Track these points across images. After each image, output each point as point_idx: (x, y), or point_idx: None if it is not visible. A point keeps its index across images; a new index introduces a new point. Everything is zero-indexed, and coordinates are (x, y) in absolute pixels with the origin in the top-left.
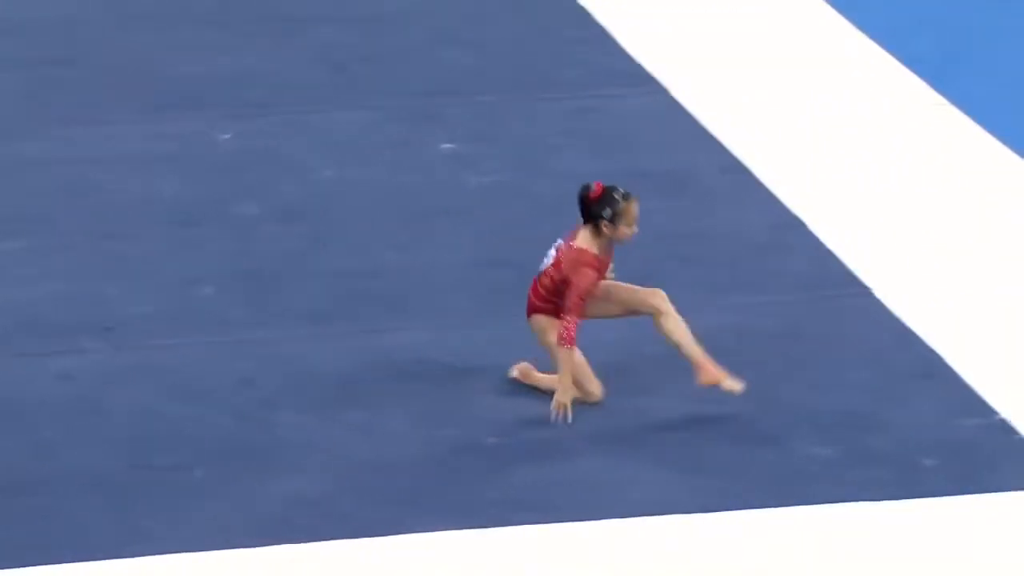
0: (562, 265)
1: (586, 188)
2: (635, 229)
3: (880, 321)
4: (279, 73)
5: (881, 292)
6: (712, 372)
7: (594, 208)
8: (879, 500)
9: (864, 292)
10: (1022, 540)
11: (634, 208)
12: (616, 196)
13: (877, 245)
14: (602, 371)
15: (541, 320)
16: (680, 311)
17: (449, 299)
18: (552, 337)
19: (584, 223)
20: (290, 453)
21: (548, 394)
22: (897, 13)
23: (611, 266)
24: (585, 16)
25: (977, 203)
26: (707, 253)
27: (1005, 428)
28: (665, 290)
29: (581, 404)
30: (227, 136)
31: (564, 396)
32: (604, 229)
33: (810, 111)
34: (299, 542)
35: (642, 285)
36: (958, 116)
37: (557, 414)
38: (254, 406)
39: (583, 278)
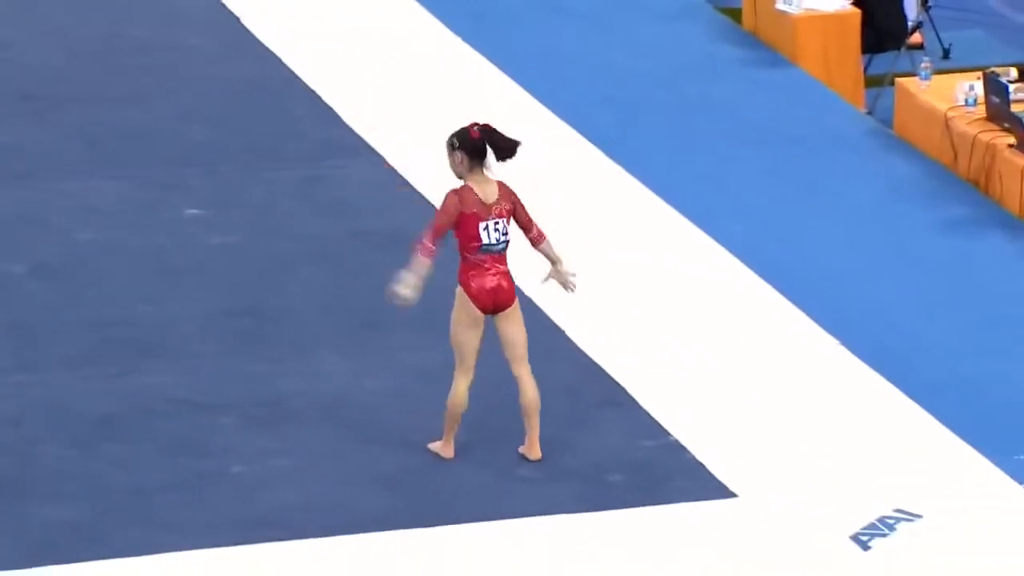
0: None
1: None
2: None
3: (571, 357)
4: (38, 147)
5: (572, 332)
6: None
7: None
8: (575, 513)
9: (560, 333)
10: (693, 544)
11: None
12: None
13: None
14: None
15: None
16: (398, 351)
17: (195, 345)
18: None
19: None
20: (52, 483)
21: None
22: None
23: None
24: (312, 94)
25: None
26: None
27: (677, 448)
28: (383, 333)
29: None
30: None
31: (400, 287)
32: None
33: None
34: (61, 563)
35: (360, 330)
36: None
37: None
38: (19, 442)
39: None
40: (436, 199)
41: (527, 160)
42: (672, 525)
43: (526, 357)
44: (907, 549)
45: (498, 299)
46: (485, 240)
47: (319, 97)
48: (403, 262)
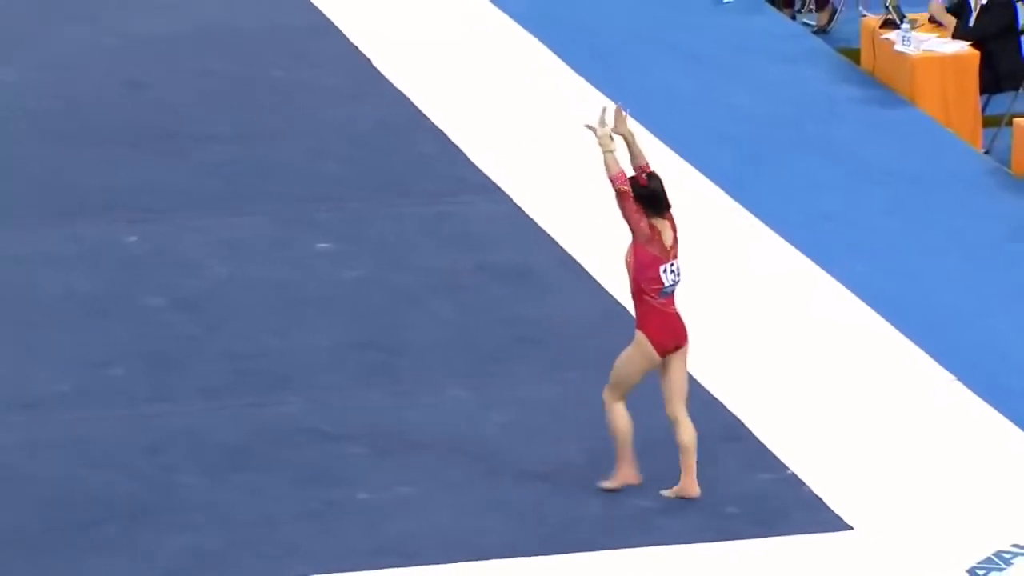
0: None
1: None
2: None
3: (692, 391)
4: (176, 184)
5: (693, 367)
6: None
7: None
8: (692, 543)
9: None
10: (807, 572)
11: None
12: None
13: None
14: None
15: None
16: (522, 384)
17: (324, 376)
18: None
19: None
20: (185, 512)
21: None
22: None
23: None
24: (439, 133)
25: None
26: (544, 334)
27: (795, 482)
28: (508, 367)
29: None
30: (133, 238)
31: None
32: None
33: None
34: None
35: (485, 362)
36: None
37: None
38: (156, 470)
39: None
40: (560, 235)
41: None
42: (789, 557)
43: (685, 398)
44: None
45: (677, 341)
46: (665, 283)
47: (446, 136)
48: (527, 295)
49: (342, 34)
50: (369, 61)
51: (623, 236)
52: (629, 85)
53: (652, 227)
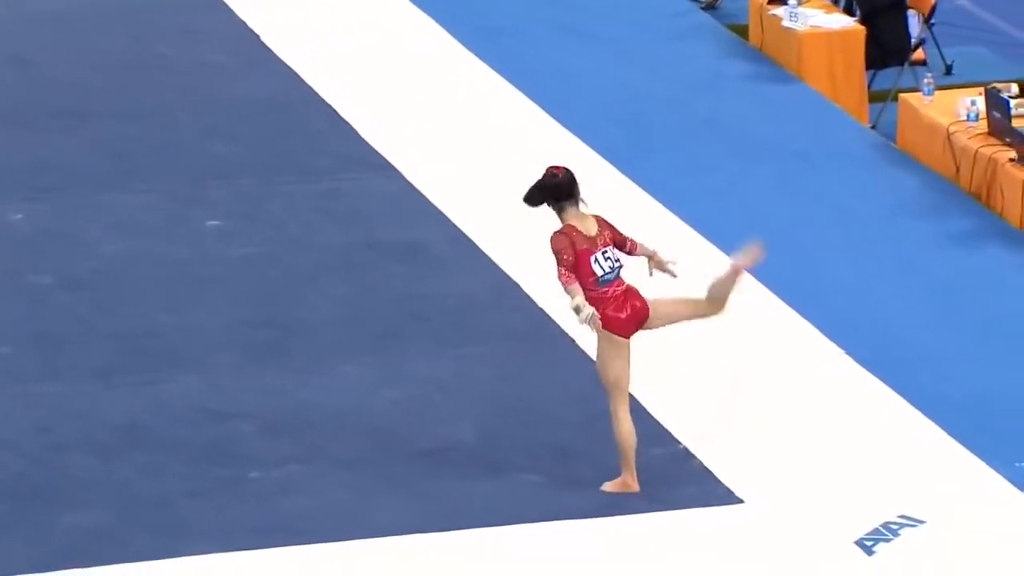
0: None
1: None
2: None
3: (581, 366)
4: (65, 161)
5: (581, 341)
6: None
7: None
8: (585, 519)
9: (570, 341)
10: (700, 549)
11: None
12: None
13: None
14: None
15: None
16: (414, 361)
17: (216, 355)
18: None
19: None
20: (77, 490)
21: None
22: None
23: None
24: (330, 110)
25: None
26: (436, 311)
27: (685, 456)
28: (400, 344)
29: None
30: (19, 216)
31: (581, 305)
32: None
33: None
34: (84, 567)
35: (377, 339)
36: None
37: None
38: (46, 450)
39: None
40: (451, 212)
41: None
42: (680, 531)
43: (692, 300)
44: (911, 554)
45: (638, 319)
46: (599, 272)
47: (337, 112)
48: (419, 272)
49: (230, 9)
50: (258, 37)
51: (513, 212)
52: (520, 62)
53: (567, 237)
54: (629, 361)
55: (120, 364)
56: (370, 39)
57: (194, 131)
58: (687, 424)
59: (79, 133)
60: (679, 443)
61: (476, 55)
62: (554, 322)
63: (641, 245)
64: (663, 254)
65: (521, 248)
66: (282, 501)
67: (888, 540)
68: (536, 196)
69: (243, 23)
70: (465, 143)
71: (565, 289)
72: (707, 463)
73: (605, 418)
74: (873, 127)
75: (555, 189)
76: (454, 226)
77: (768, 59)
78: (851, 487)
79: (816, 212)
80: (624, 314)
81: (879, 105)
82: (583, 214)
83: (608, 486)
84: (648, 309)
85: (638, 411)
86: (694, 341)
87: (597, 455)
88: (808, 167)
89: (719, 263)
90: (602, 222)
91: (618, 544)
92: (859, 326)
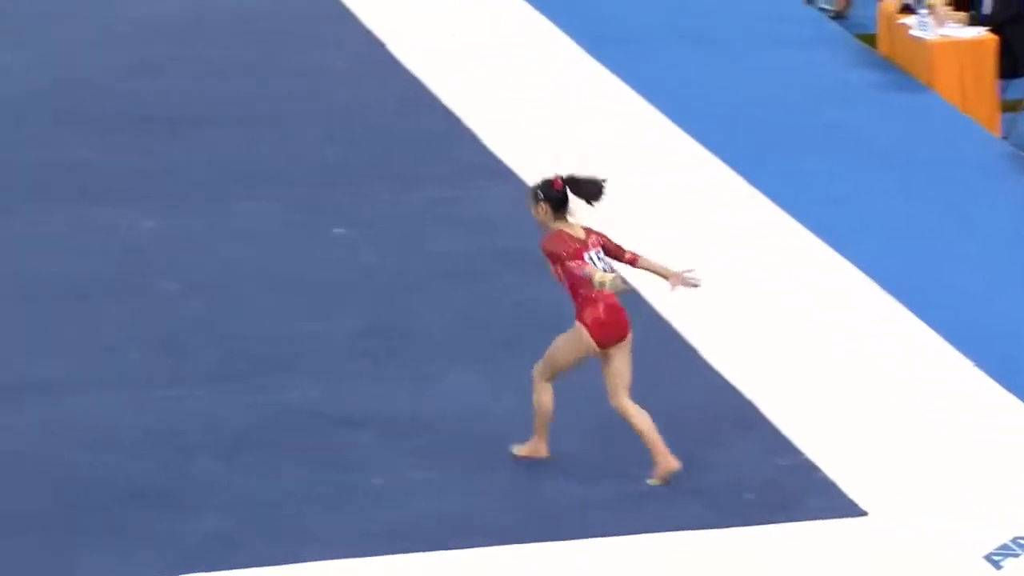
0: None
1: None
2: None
3: (704, 377)
4: (189, 169)
5: (705, 352)
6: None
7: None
8: (704, 529)
9: (693, 353)
10: (824, 561)
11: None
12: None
13: (703, 313)
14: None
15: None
16: (530, 371)
17: (336, 361)
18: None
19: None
20: (200, 495)
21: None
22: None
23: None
24: (452, 117)
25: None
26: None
27: (809, 467)
28: (519, 352)
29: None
30: (147, 223)
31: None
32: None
33: (641, 194)
34: (208, 571)
35: (495, 348)
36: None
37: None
38: (171, 454)
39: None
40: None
41: (667, 181)
42: (804, 543)
43: (628, 389)
44: None
45: (620, 331)
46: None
47: (459, 119)
48: (537, 281)
49: (355, 18)
50: (383, 45)
51: (634, 219)
52: (645, 70)
53: (565, 242)
54: (577, 364)
55: (243, 370)
56: (494, 45)
57: (319, 138)
58: (810, 435)
59: (203, 140)
60: (802, 454)
61: (598, 61)
62: (674, 331)
63: (644, 259)
64: (678, 267)
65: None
66: (401, 507)
67: (1017, 556)
68: (532, 199)
69: (368, 31)
70: (586, 149)
71: (582, 275)
72: (831, 475)
73: (725, 426)
74: (1004, 137)
75: (555, 201)
76: None
77: (897, 68)
78: (979, 501)
79: (943, 221)
80: (607, 322)
81: (1011, 115)
82: (571, 224)
83: (519, 449)
84: (629, 331)
85: (760, 422)
86: (819, 349)
87: (717, 463)
88: (936, 176)
89: (841, 271)
90: (590, 230)
91: (739, 556)
92: (988, 336)
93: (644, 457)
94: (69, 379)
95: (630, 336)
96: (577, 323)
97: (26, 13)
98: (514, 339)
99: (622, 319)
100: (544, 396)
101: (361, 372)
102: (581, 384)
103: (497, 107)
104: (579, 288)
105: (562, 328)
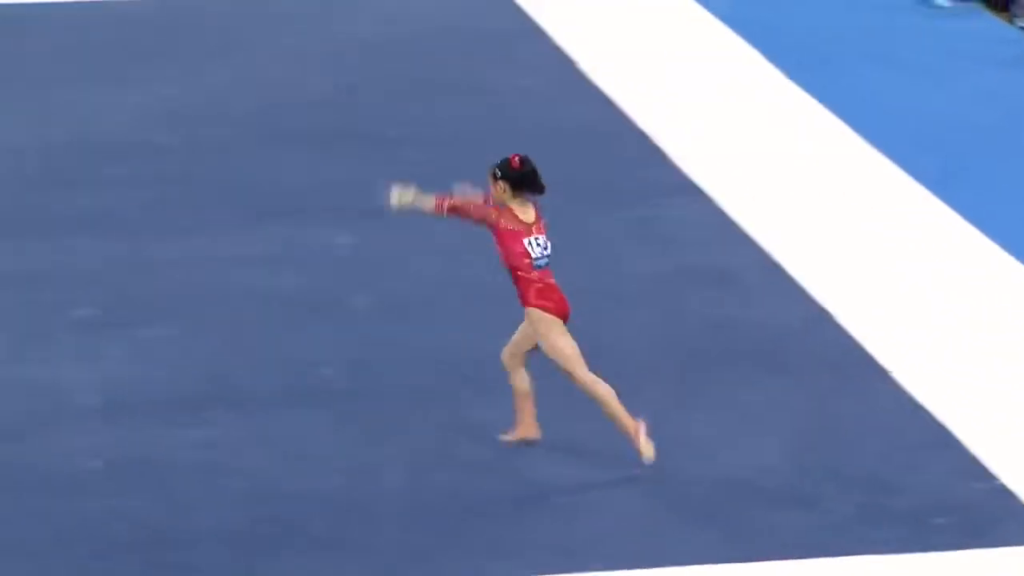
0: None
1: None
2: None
3: (895, 397)
4: (380, 184)
5: (897, 374)
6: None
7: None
8: (897, 553)
9: (884, 374)
10: None
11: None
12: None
13: (895, 333)
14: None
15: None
16: (723, 389)
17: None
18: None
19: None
20: (390, 509)
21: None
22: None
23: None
24: (643, 136)
25: (974, 297)
26: (747, 339)
27: (1005, 492)
28: (709, 371)
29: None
30: (344, 239)
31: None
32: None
33: (833, 213)
34: None
35: (686, 367)
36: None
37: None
38: (363, 468)
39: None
40: (763, 239)
41: (855, 197)
42: (998, 571)
43: (527, 354)
44: None
45: (565, 309)
46: (533, 254)
47: (650, 138)
48: (730, 300)
49: (547, 36)
50: (574, 64)
51: (827, 240)
52: (839, 90)
53: (498, 209)
54: (567, 333)
55: (434, 386)
56: (686, 65)
57: (492, 156)
58: (1006, 458)
59: (397, 158)
60: (997, 478)
61: (791, 80)
62: (868, 353)
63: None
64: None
65: (835, 277)
66: (584, 524)
67: None
68: (492, 177)
69: (559, 49)
70: (778, 169)
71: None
72: None
73: (915, 447)
74: None
75: (513, 180)
76: (766, 253)
77: None
78: None
79: None
80: (558, 296)
81: None
82: (527, 204)
83: (508, 435)
84: (568, 308)
85: (953, 444)
86: (1013, 371)
87: (910, 487)
88: None
89: None
90: (541, 218)
91: None
92: None
93: (839, 481)
94: (261, 394)
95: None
96: (528, 310)
97: (237, 35)
98: (705, 358)
99: (562, 296)
100: (599, 389)
101: (553, 389)
102: (781, 402)
103: (690, 126)
104: (517, 271)
105: (751, 348)
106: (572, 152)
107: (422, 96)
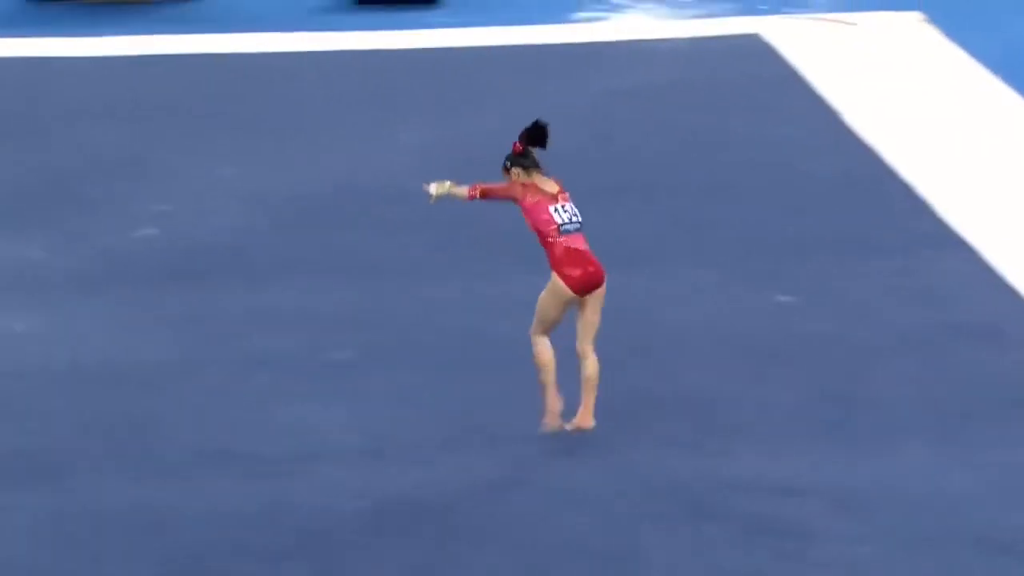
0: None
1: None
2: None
3: None
4: (638, 233)
5: None
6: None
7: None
8: None
9: None
10: None
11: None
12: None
13: None
14: None
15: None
16: (988, 447)
17: (781, 428)
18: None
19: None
20: (648, 557)
21: None
22: None
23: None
24: (907, 186)
25: None
26: (1015, 394)
27: None
28: (976, 427)
29: None
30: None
31: (438, 189)
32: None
33: None
34: None
35: (953, 423)
36: None
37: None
38: (622, 516)
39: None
40: None
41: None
42: None
43: (594, 337)
44: None
45: (593, 278)
46: (559, 220)
47: (914, 189)
48: (996, 355)
49: (809, 86)
50: (837, 114)
51: None
52: None
53: (524, 185)
54: (562, 312)
55: (684, 434)
56: (954, 115)
57: (767, 207)
58: None
59: (654, 206)
60: None
61: None
62: None
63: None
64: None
65: None
66: None
67: None
68: (504, 171)
69: (821, 99)
70: None
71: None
72: None
73: None
74: None
75: (521, 164)
76: None
77: None
78: None
79: None
80: (577, 272)
81: None
82: (545, 178)
83: (554, 424)
84: (602, 275)
85: None
86: None
87: None
88: None
89: None
90: (563, 188)
91: None
92: None
93: None
94: (520, 435)
95: (604, 285)
96: (552, 273)
97: (496, 85)
98: (971, 413)
99: (592, 261)
100: (542, 352)
101: (808, 441)
102: None
103: (953, 176)
104: (546, 238)
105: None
106: (834, 202)
107: (677, 145)
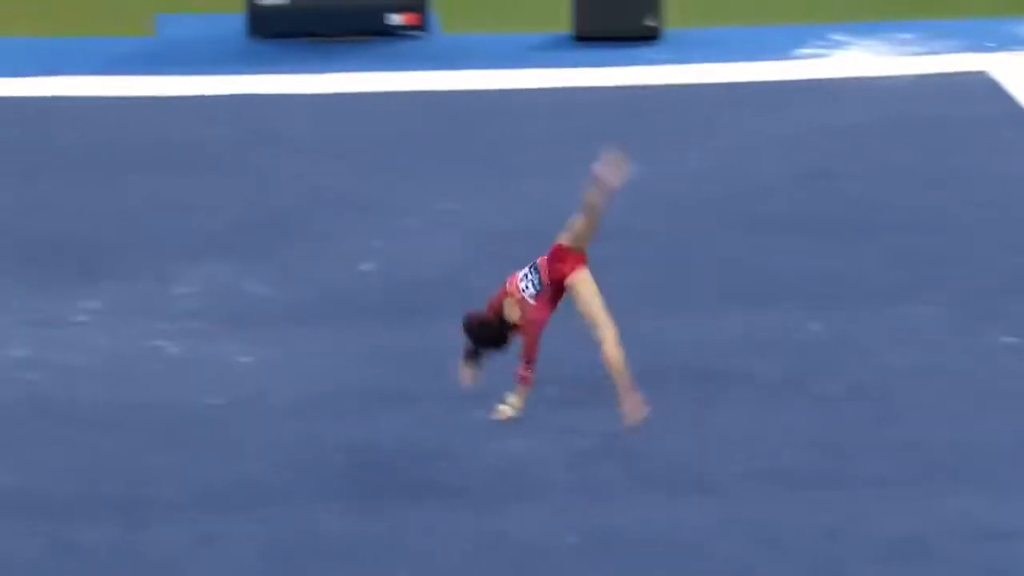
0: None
1: None
2: None
3: None
4: (857, 272)
5: None
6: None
7: None
8: None
9: None
10: None
11: None
12: None
13: None
14: None
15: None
16: None
17: (1004, 471)
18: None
19: None
20: None
21: None
22: None
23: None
24: None
25: None
26: None
27: None
28: None
29: None
30: (816, 325)
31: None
32: None
33: None
34: None
35: None
36: None
37: None
38: (830, 558)
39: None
40: None
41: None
42: None
43: (594, 330)
44: None
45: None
46: (526, 291)
47: None
48: None
49: None
50: None
51: None
52: None
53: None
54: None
55: (902, 475)
56: None
57: (991, 245)
58: None
59: (872, 244)
60: None
61: None
62: None
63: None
64: None
65: None
66: None
67: None
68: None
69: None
70: None
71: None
72: None
73: None
74: None
75: (484, 333)
76: None
77: None
78: None
79: None
80: (562, 266)
81: None
82: (511, 303)
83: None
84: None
85: None
86: None
87: None
88: None
89: None
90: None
91: None
92: None
93: None
94: (728, 476)
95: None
96: (576, 272)
97: (702, 120)
98: None
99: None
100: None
101: None
102: None
103: None
104: (523, 303)
105: None
106: None
107: (897, 183)
